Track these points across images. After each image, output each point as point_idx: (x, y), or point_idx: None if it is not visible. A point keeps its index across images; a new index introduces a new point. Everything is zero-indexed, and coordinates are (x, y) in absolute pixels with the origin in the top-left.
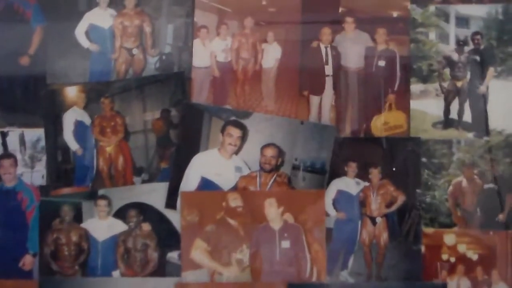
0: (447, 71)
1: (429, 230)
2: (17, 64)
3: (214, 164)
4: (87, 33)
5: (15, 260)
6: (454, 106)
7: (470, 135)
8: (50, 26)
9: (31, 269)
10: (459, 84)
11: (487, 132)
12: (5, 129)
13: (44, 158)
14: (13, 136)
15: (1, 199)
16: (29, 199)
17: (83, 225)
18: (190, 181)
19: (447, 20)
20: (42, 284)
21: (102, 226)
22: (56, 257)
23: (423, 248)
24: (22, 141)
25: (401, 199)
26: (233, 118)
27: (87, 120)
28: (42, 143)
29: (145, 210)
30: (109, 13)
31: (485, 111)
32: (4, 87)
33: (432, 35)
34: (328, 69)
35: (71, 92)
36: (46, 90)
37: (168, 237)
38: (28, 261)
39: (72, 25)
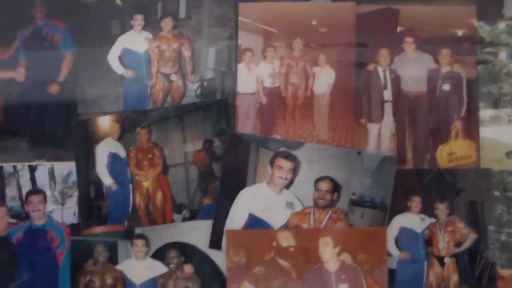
0: None
1: (505, 272)
2: (46, 92)
3: (262, 199)
4: (120, 58)
5: None
6: None
7: None
8: (81, 51)
9: None
10: None
11: None
12: (34, 163)
13: (75, 194)
14: (42, 170)
15: (30, 238)
16: (59, 238)
17: (118, 266)
18: (236, 219)
19: None
20: None
21: (139, 268)
22: None
23: None
24: (51, 176)
25: (471, 237)
26: (282, 149)
27: (122, 152)
28: (73, 177)
29: (186, 251)
30: (144, 37)
31: None
32: (32, 117)
33: (503, 55)
34: (387, 94)
35: (104, 122)
36: (77, 120)
37: (212, 280)
38: None
39: (105, 50)
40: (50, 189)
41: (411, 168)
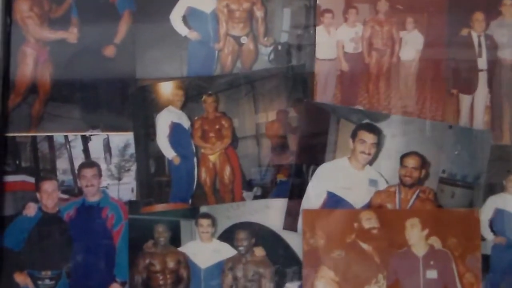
0: None
1: None
2: (101, 55)
3: (343, 176)
4: (184, 18)
5: None
6: None
7: None
8: (140, 10)
9: None
10: None
11: None
12: (87, 133)
13: (133, 168)
14: (96, 141)
15: (83, 216)
16: (116, 216)
17: (181, 249)
18: (313, 197)
19: None
20: None
21: (204, 250)
22: (149, 287)
23: None
24: (107, 148)
25: None
26: (366, 121)
27: (185, 122)
28: (131, 150)
29: (257, 232)
30: None
31: None
32: (85, 83)
33: None
34: (482, 63)
35: (166, 89)
36: (135, 86)
37: (286, 265)
38: None
39: (167, 9)
40: (105, 162)
41: (508, 143)
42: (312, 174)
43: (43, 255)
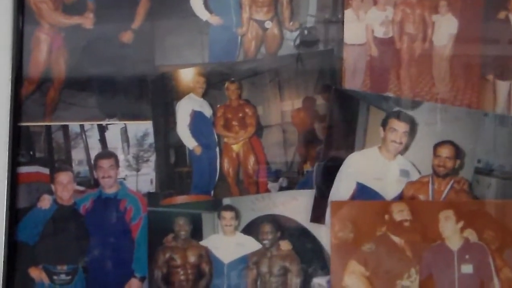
0: None
1: None
2: (118, 42)
3: (373, 166)
4: (206, 2)
5: (119, 285)
6: None
7: None
8: None
9: None
10: None
11: None
12: (104, 122)
13: (152, 158)
14: (113, 130)
15: (100, 208)
16: (134, 209)
17: (203, 242)
18: (342, 188)
19: None
20: None
21: (228, 244)
22: (169, 283)
23: None
24: (124, 137)
25: None
26: (397, 108)
27: (207, 110)
28: (150, 139)
29: (283, 225)
30: None
31: None
32: (102, 70)
33: None
34: None
35: (187, 76)
36: (154, 73)
37: (313, 259)
38: (134, 287)
39: None
40: (123, 153)
41: None
42: (340, 165)
43: (59, 249)
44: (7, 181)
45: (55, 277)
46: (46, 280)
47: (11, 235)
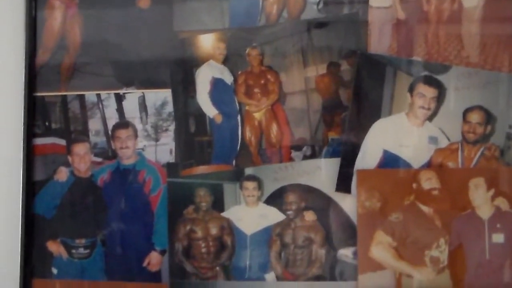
0: None
1: None
2: (135, 7)
3: (400, 133)
4: None
5: (138, 259)
6: None
7: None
8: None
9: (158, 270)
10: None
11: None
12: (121, 91)
13: (172, 127)
14: (131, 99)
15: (118, 180)
16: (153, 180)
17: (224, 214)
18: (368, 156)
19: None
20: None
21: (250, 215)
22: (190, 255)
23: None
24: (143, 106)
25: None
26: (425, 73)
27: (228, 77)
28: (169, 108)
29: (308, 195)
30: None
31: None
32: (118, 37)
33: None
34: None
35: (206, 42)
36: (173, 39)
37: (339, 230)
38: (154, 260)
39: None
40: (141, 122)
41: None
42: (366, 132)
43: (76, 222)
44: (23, 153)
45: (73, 251)
46: (64, 254)
47: (28, 209)
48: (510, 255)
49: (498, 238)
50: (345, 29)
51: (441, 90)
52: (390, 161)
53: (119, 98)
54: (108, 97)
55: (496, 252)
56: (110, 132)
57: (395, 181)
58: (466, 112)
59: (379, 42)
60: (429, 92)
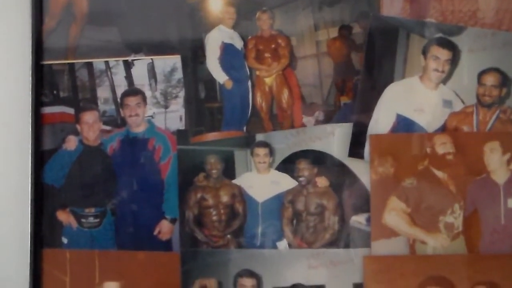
0: None
1: None
2: None
3: (414, 97)
4: None
5: (149, 227)
6: None
7: None
8: None
9: (169, 238)
10: None
11: None
12: (130, 58)
13: (181, 94)
14: (139, 66)
15: (128, 148)
16: (163, 148)
17: (235, 181)
18: (381, 121)
19: None
20: (185, 257)
21: (262, 182)
22: (201, 224)
23: None
24: (151, 73)
25: None
26: (439, 35)
27: (238, 42)
28: (179, 74)
29: (320, 161)
30: None
31: None
32: (126, 3)
33: None
34: None
35: (215, 6)
36: (181, 4)
37: (352, 196)
38: (165, 229)
39: None
40: (150, 89)
41: None
42: (379, 96)
43: (86, 191)
44: (31, 122)
45: (83, 220)
46: (74, 223)
47: (37, 178)
48: None
49: None
50: None
51: (455, 52)
52: (403, 125)
53: (128, 65)
54: (117, 65)
55: (511, 217)
56: (119, 100)
57: (409, 146)
58: (481, 74)
59: (392, 4)
60: (443, 54)
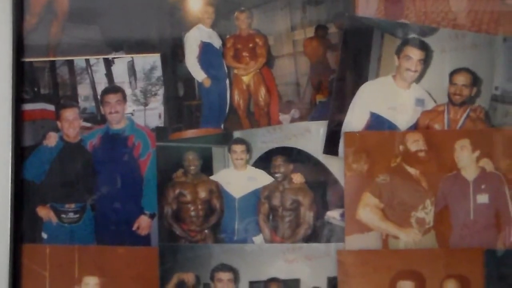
0: None
1: None
2: None
3: (387, 95)
4: None
5: (128, 223)
6: None
7: None
8: None
9: (148, 233)
10: None
11: None
12: (110, 56)
13: (160, 92)
14: (120, 64)
15: (107, 145)
16: (142, 144)
17: (213, 177)
18: (356, 118)
19: None
20: (163, 252)
21: (239, 178)
22: (179, 219)
23: None
24: (131, 71)
25: None
26: (412, 35)
27: (216, 41)
28: (158, 72)
29: (296, 157)
30: None
31: None
32: (107, 2)
33: None
34: None
35: (195, 6)
36: (161, 3)
37: (327, 192)
38: (144, 224)
39: None
40: (130, 87)
41: None
42: (353, 94)
43: (66, 187)
44: (12, 118)
45: (63, 216)
46: (54, 219)
47: (18, 174)
48: (494, 216)
49: (483, 198)
50: None
51: (428, 52)
52: (377, 123)
53: (108, 63)
54: (97, 62)
55: (480, 213)
56: (99, 97)
57: (382, 143)
58: (452, 74)
59: (367, 5)
60: (416, 54)
